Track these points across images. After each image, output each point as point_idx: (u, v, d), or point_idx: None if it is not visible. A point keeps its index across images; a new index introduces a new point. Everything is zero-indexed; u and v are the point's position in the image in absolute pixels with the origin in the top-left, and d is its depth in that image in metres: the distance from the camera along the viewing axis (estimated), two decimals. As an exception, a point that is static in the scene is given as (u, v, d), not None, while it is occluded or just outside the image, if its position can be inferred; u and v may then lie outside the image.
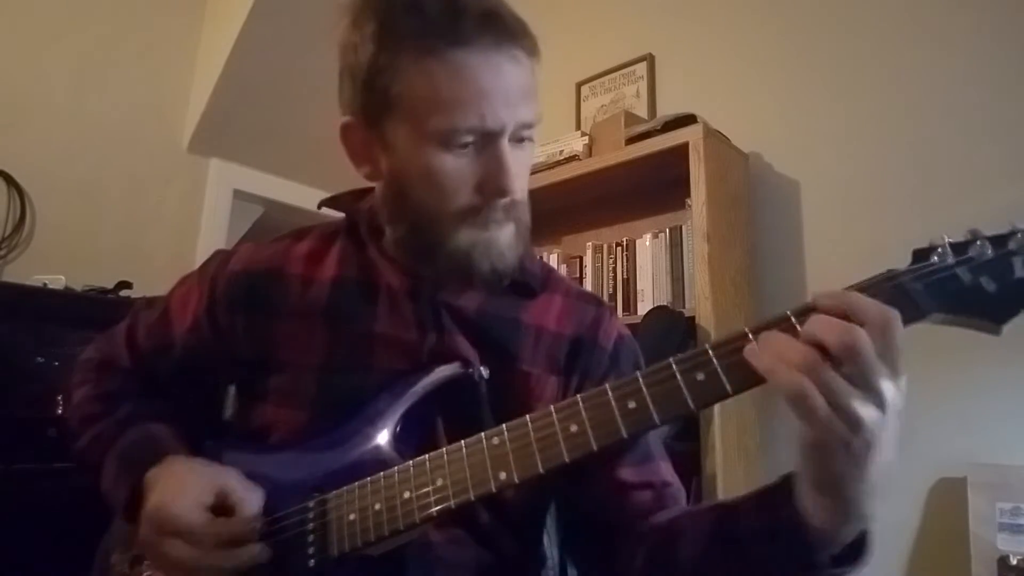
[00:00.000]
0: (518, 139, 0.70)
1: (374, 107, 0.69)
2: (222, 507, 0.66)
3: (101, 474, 0.75)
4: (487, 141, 0.67)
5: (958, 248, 0.51)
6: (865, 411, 0.47)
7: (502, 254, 0.72)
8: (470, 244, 0.70)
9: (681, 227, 1.90)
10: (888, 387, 0.47)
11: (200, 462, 0.70)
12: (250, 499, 0.66)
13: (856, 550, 0.53)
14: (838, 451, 0.48)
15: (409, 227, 0.74)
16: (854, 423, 0.47)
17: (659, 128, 1.87)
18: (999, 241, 0.50)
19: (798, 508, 0.53)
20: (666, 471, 0.77)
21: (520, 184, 0.71)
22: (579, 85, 2.49)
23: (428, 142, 0.67)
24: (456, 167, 0.68)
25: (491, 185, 0.68)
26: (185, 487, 0.66)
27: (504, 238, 0.71)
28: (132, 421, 0.77)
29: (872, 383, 0.47)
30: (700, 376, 0.53)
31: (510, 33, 0.66)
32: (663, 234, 1.94)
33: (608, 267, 2.07)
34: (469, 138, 0.66)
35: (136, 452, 0.73)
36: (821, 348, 0.47)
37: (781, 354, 0.48)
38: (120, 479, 0.72)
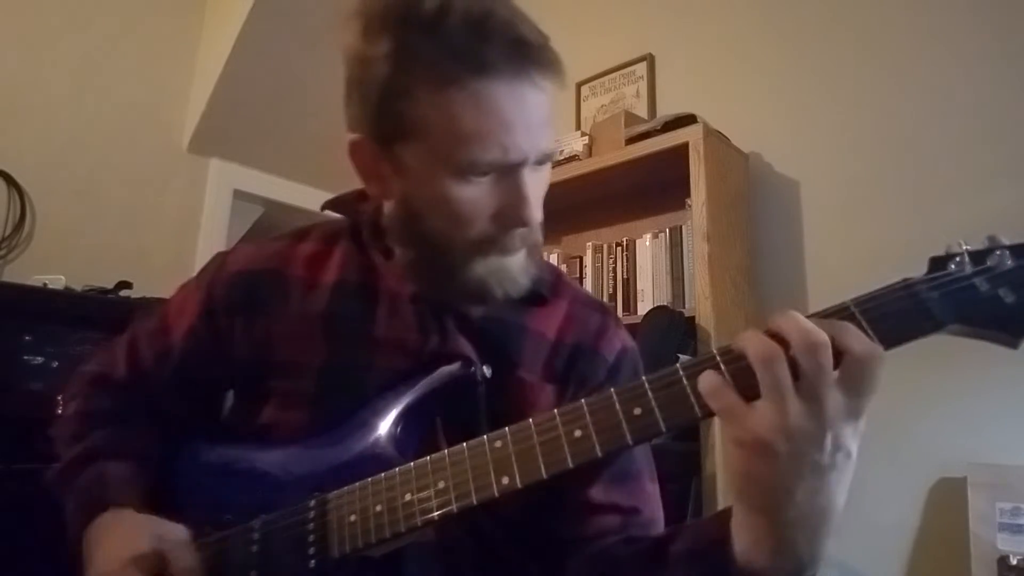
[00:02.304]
0: (537, 162, 0.68)
1: (387, 130, 0.66)
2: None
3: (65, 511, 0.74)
4: (507, 171, 0.65)
5: (976, 257, 0.48)
6: (807, 422, 0.45)
7: (515, 280, 0.71)
8: (485, 273, 0.69)
9: (681, 227, 1.90)
10: (839, 417, 0.46)
11: (133, 530, 0.68)
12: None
13: None
14: (777, 459, 0.46)
15: (421, 252, 0.72)
16: (791, 428, 0.45)
17: (659, 128, 1.87)
18: (1019, 251, 0.47)
19: (728, 534, 0.53)
20: (642, 495, 0.73)
21: (538, 210, 0.69)
22: (579, 85, 2.48)
23: (445, 171, 0.64)
24: (474, 196, 0.65)
25: (510, 215, 0.66)
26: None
27: (517, 263, 0.70)
28: (96, 455, 0.76)
29: (820, 396, 0.45)
30: None
31: (535, 60, 0.62)
32: (663, 234, 1.94)
33: (608, 267, 2.07)
34: (489, 170, 0.64)
35: (81, 504, 0.72)
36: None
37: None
38: (71, 529, 0.72)
